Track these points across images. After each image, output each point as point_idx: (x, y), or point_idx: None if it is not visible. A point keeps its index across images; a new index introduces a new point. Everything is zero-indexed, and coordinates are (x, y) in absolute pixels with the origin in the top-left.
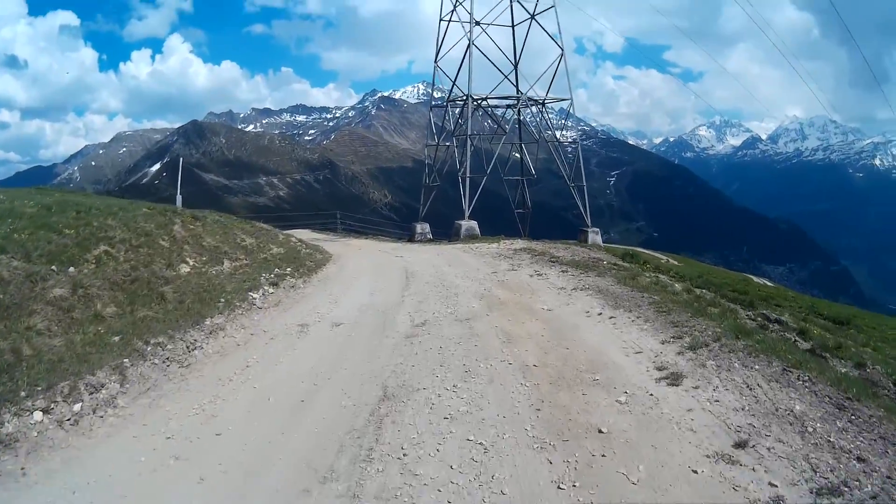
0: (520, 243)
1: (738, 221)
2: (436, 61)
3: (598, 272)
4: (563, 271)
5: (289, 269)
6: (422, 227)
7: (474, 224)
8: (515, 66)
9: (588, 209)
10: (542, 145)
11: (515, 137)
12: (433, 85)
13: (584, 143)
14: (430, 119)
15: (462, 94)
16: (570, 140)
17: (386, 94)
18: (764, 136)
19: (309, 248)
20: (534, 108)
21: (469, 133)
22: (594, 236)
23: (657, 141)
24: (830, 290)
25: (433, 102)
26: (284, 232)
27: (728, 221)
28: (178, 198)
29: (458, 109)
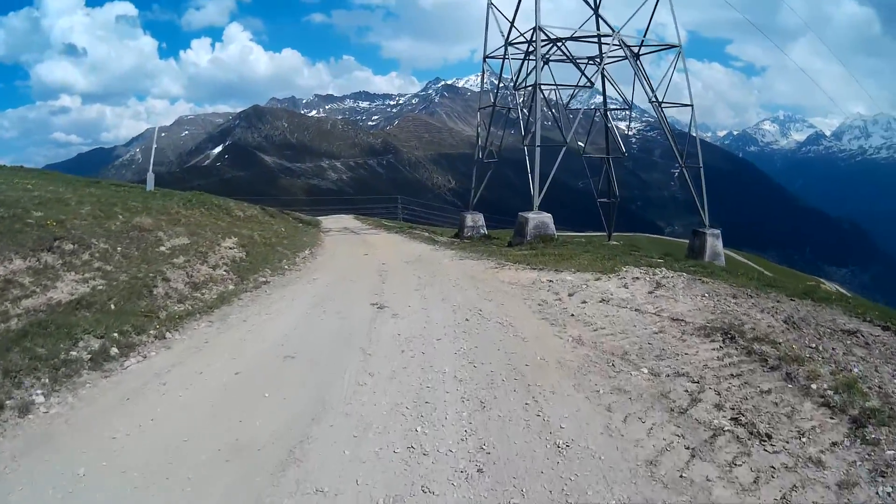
0: (679, 285)
1: (801, 220)
2: None
3: None
4: None
5: None
6: (473, 219)
7: (547, 219)
8: (596, 8)
9: (706, 201)
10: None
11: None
12: (486, 28)
13: (649, 133)
14: (482, 72)
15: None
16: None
17: (449, 82)
18: (828, 133)
19: (254, 261)
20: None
21: (539, 82)
22: (714, 241)
23: (721, 134)
24: (892, 295)
25: (486, 52)
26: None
27: (791, 219)
28: (150, 176)
29: (521, 59)
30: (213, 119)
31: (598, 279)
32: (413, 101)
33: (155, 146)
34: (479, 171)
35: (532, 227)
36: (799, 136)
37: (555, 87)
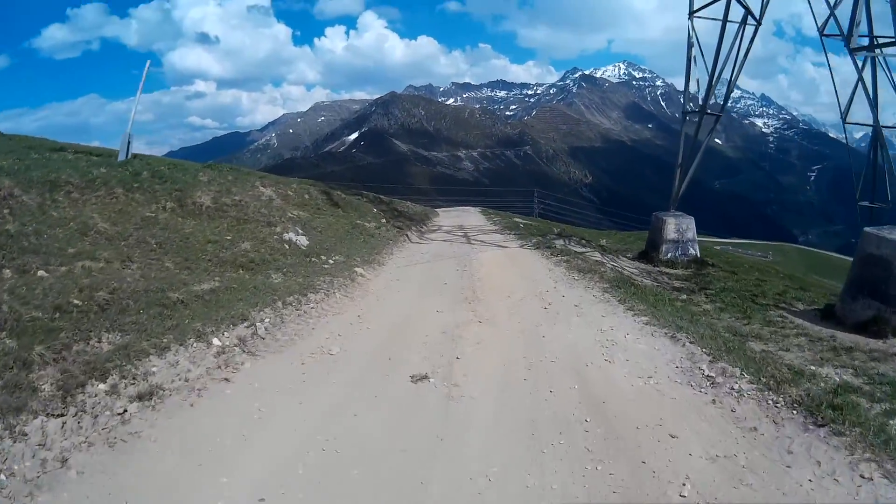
0: None
1: None
2: None
3: None
4: None
5: None
6: (678, 226)
7: None
8: None
9: None
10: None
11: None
12: None
13: (786, 132)
14: None
15: None
16: None
17: (587, 72)
18: None
19: None
20: None
21: None
22: None
23: (857, 136)
24: None
25: None
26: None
27: None
28: (124, 139)
29: None
30: (350, 105)
31: None
32: (551, 92)
33: (140, 93)
34: (690, 133)
35: None
36: None
37: None
